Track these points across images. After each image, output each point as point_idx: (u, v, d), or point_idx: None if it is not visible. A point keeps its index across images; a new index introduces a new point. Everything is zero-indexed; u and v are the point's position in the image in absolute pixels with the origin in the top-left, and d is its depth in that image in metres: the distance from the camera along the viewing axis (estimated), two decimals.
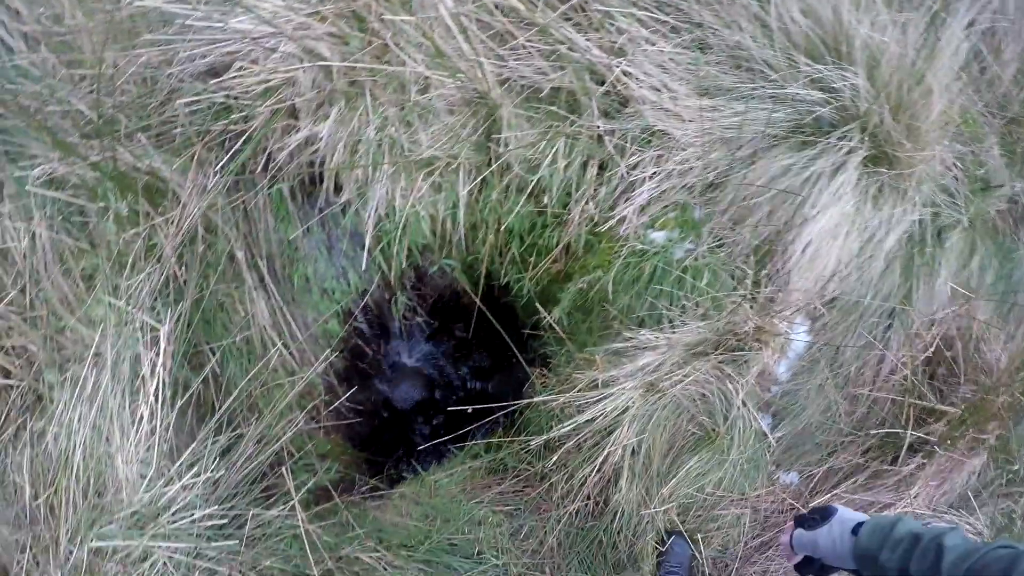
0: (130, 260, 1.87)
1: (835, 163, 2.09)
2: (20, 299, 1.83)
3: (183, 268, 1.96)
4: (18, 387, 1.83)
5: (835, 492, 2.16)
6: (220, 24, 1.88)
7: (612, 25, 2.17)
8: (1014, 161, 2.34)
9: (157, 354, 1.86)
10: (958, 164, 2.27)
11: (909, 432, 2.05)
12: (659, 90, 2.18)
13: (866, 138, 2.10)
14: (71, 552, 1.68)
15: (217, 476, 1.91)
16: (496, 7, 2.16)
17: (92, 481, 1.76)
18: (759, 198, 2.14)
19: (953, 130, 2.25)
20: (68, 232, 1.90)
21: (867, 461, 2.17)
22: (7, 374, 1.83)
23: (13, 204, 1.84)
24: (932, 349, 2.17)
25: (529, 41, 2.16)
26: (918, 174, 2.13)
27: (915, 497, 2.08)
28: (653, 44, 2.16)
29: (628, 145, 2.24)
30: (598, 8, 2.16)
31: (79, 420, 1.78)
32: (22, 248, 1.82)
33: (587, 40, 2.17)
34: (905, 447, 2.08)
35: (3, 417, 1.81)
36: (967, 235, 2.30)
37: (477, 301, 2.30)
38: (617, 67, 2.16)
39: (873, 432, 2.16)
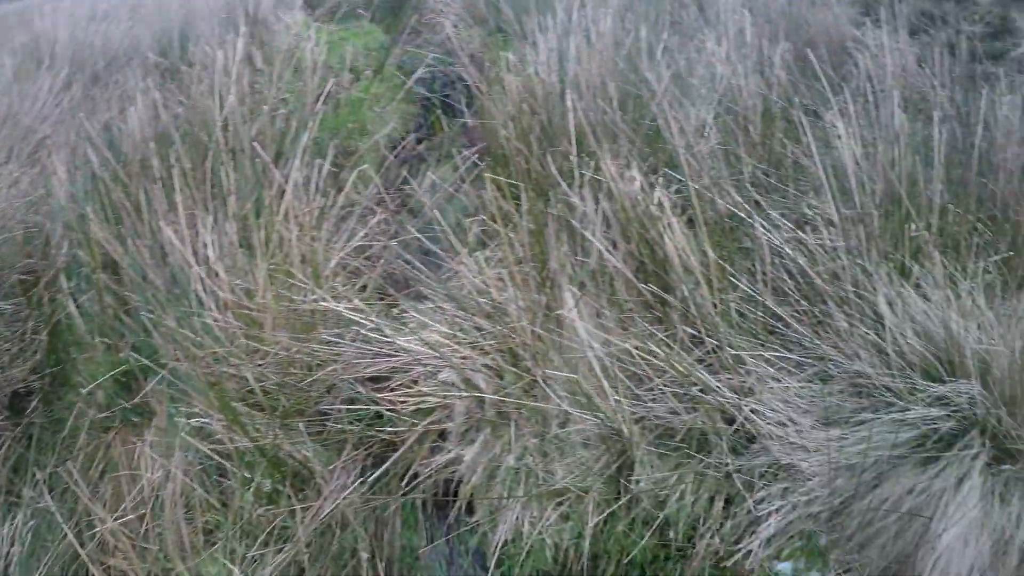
0: (261, 536, 1.94)
1: (959, 474, 2.09)
2: (136, 525, 1.89)
3: (308, 556, 2.00)
4: None
5: None
6: (388, 339, 2.15)
7: (742, 367, 2.32)
8: None
9: None
10: None
11: None
12: (785, 424, 2.26)
13: (987, 441, 2.12)
14: None
15: None
16: (637, 350, 2.38)
17: None
18: (885, 521, 2.11)
19: None
20: (202, 483, 2.02)
21: None
22: None
23: (159, 436, 2.00)
24: None
25: (665, 384, 2.32)
26: None
27: None
28: (779, 381, 2.28)
29: (756, 480, 2.26)
30: (730, 352, 2.33)
31: None
32: (153, 479, 1.93)
33: (718, 382, 2.32)
34: None
35: None
36: None
37: None
38: (746, 407, 2.26)
39: None
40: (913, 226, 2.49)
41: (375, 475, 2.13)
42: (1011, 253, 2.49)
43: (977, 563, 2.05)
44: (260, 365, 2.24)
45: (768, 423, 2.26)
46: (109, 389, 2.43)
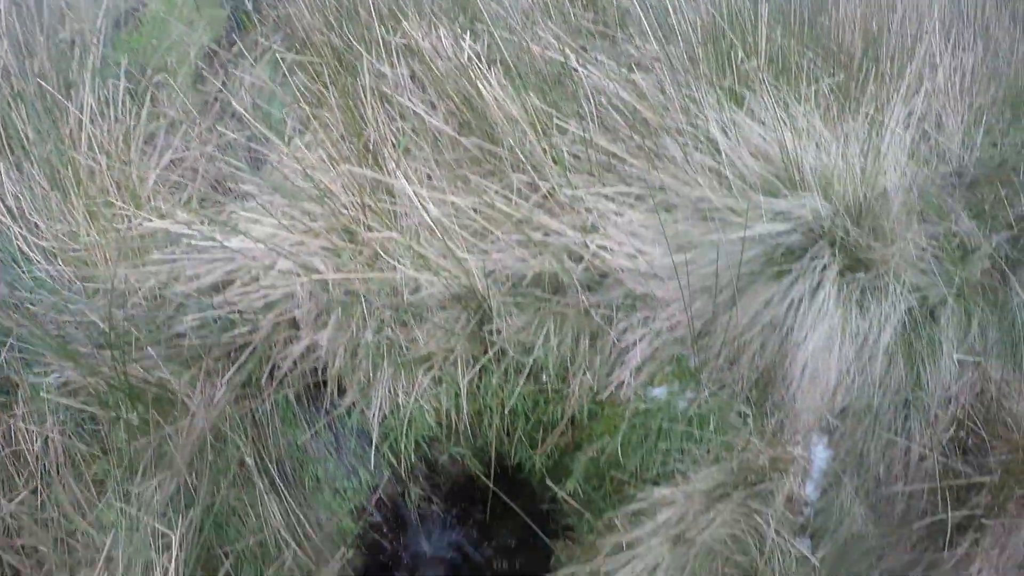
0: (141, 468, 1.94)
1: (812, 284, 2.20)
2: (32, 500, 1.87)
3: (194, 475, 2.01)
4: None
5: None
6: (220, 244, 2.11)
7: (582, 206, 2.37)
8: (983, 220, 2.42)
9: (169, 560, 1.86)
10: (933, 243, 2.36)
11: (951, 514, 1.99)
12: (634, 256, 2.32)
13: (836, 252, 2.23)
14: None
15: None
16: (475, 210, 2.40)
17: None
18: (748, 335, 2.21)
19: (917, 215, 2.36)
20: (80, 437, 1.98)
21: (919, 554, 2.05)
22: (17, 573, 1.84)
23: (27, 408, 1.95)
24: (954, 425, 2.13)
25: (507, 233, 2.36)
26: (894, 268, 2.23)
27: (980, 573, 1.96)
28: (622, 215, 2.34)
29: (615, 314, 2.34)
30: (567, 193, 2.37)
31: None
32: (35, 450, 1.90)
33: (560, 223, 2.36)
34: (953, 530, 1.99)
35: None
36: (959, 304, 2.32)
37: (490, 485, 2.29)
38: (591, 244, 2.32)
39: (916, 525, 2.05)
40: (740, 55, 2.55)
41: (236, 378, 2.13)
42: (843, 77, 2.60)
43: (843, 366, 2.20)
44: (104, 305, 2.17)
45: (617, 257, 2.33)
46: None
